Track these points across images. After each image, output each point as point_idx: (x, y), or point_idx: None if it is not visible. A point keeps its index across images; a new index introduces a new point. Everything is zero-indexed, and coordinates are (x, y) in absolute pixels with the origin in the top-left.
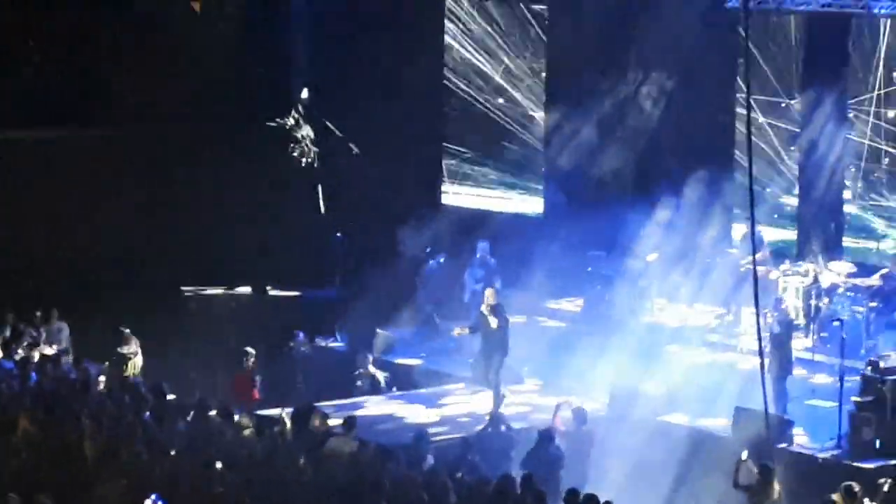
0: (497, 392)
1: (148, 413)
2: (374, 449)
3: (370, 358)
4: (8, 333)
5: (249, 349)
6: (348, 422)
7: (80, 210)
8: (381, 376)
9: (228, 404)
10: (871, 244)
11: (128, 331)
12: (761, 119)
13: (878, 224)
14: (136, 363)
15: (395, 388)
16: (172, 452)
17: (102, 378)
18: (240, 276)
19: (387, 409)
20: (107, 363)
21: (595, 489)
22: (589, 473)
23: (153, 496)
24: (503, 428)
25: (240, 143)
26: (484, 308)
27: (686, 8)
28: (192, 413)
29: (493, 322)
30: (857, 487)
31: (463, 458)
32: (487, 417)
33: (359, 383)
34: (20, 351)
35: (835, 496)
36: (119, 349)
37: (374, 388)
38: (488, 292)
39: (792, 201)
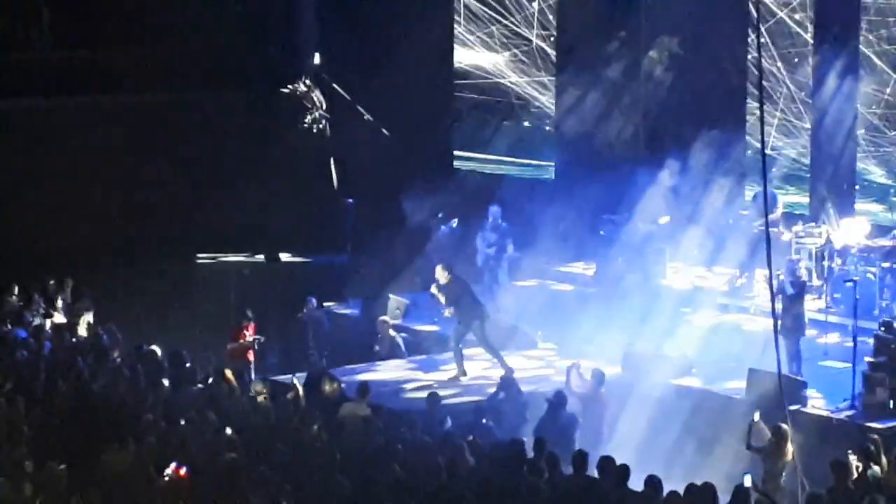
0: (497, 354)
1: (164, 380)
2: (388, 414)
3: (389, 322)
4: (20, 302)
5: (249, 313)
6: (362, 388)
7: (90, 179)
8: (400, 340)
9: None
10: (882, 208)
11: (71, 286)
12: (774, 77)
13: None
14: (87, 319)
15: (410, 352)
16: (186, 420)
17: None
18: (251, 243)
19: (399, 375)
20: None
21: (609, 452)
22: (604, 435)
23: (174, 464)
24: (516, 392)
25: (251, 111)
26: (433, 288)
27: None
28: (206, 380)
29: (442, 299)
30: (873, 447)
31: (476, 423)
32: (498, 382)
33: (376, 347)
34: (33, 319)
35: (852, 458)
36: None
37: (393, 352)
38: (437, 270)
39: (805, 162)
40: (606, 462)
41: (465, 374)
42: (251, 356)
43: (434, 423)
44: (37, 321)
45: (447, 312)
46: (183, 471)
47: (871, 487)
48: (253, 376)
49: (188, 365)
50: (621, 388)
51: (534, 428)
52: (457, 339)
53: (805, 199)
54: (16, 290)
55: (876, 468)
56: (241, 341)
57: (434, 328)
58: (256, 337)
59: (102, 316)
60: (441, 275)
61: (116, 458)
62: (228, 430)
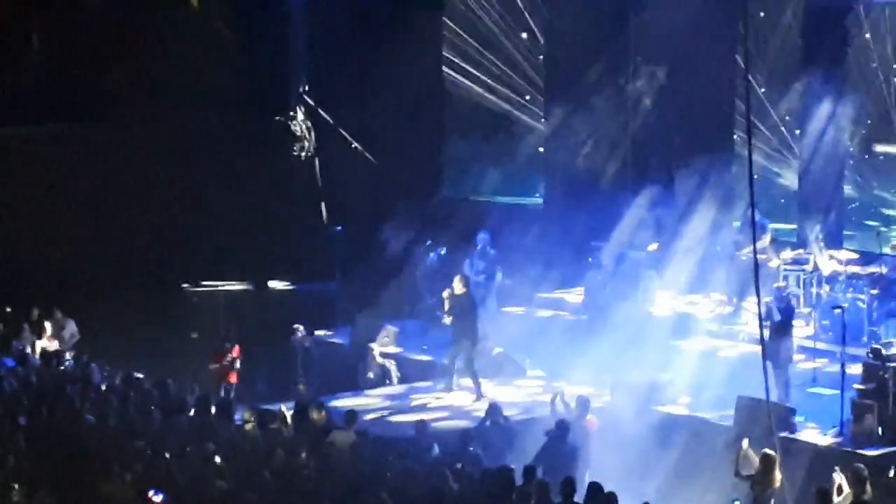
0: (475, 379)
1: (152, 408)
2: (376, 441)
3: (377, 350)
4: (7, 330)
5: (231, 335)
6: (349, 415)
7: (79, 205)
8: (391, 366)
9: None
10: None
11: (60, 314)
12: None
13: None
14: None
15: (399, 380)
16: (174, 448)
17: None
18: (240, 270)
19: (388, 402)
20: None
21: (596, 479)
22: (590, 462)
23: (152, 491)
24: (502, 420)
25: (239, 138)
26: (445, 294)
27: None
28: (193, 408)
29: (446, 305)
30: (865, 472)
31: (464, 450)
32: (485, 408)
33: (370, 374)
34: (20, 347)
35: (837, 476)
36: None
37: (382, 379)
38: (456, 279)
39: (793, 188)
40: (595, 489)
41: (450, 390)
42: (234, 378)
43: (422, 451)
44: (26, 349)
45: (446, 319)
46: (159, 498)
47: None
48: (233, 397)
49: (173, 394)
50: (610, 415)
51: (535, 455)
52: (451, 358)
53: (793, 226)
54: (9, 316)
55: (868, 494)
56: (222, 363)
57: (424, 357)
58: (234, 357)
59: (89, 344)
60: (458, 285)
61: (106, 487)
62: (217, 459)
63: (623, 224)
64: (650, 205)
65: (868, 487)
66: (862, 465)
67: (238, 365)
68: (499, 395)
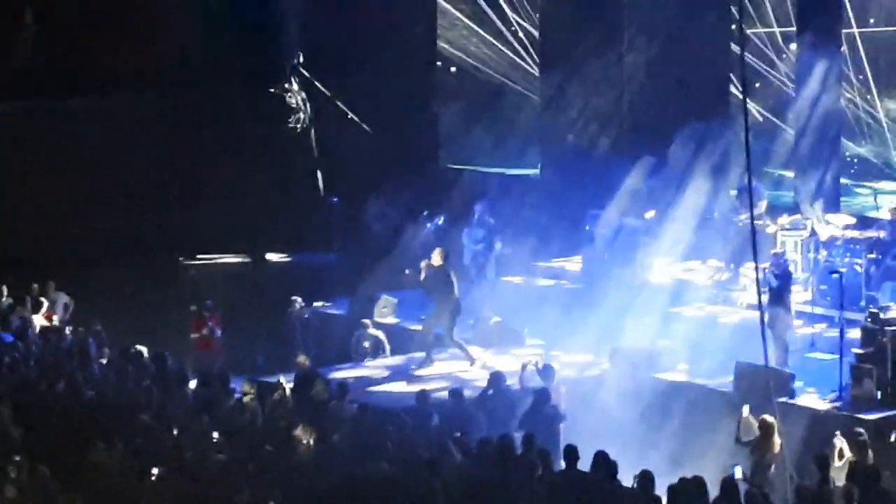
0: (462, 347)
1: (149, 382)
2: (375, 412)
3: (369, 320)
4: (5, 305)
5: (209, 303)
6: (341, 387)
7: (76, 179)
8: (383, 337)
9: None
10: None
11: (52, 283)
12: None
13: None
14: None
15: (394, 351)
16: (175, 421)
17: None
18: (237, 243)
19: (387, 373)
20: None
21: (598, 446)
22: (571, 430)
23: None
24: (504, 388)
25: (235, 110)
26: (423, 263)
27: None
28: (193, 381)
29: (422, 275)
30: (865, 437)
31: (464, 419)
32: (481, 374)
33: (366, 344)
34: (18, 322)
35: (837, 440)
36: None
37: (376, 350)
38: (435, 252)
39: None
40: (599, 458)
41: (432, 362)
42: (215, 346)
43: (422, 420)
44: (25, 324)
45: (408, 271)
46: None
47: (864, 477)
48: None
49: (171, 367)
50: (608, 382)
51: (518, 422)
52: (427, 330)
53: (790, 192)
54: (4, 292)
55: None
56: (202, 333)
57: (418, 327)
58: (210, 326)
59: (87, 318)
60: (436, 257)
61: (103, 458)
62: (215, 434)
63: (620, 192)
64: (646, 173)
65: (869, 452)
66: (862, 430)
67: (219, 334)
68: (497, 365)
